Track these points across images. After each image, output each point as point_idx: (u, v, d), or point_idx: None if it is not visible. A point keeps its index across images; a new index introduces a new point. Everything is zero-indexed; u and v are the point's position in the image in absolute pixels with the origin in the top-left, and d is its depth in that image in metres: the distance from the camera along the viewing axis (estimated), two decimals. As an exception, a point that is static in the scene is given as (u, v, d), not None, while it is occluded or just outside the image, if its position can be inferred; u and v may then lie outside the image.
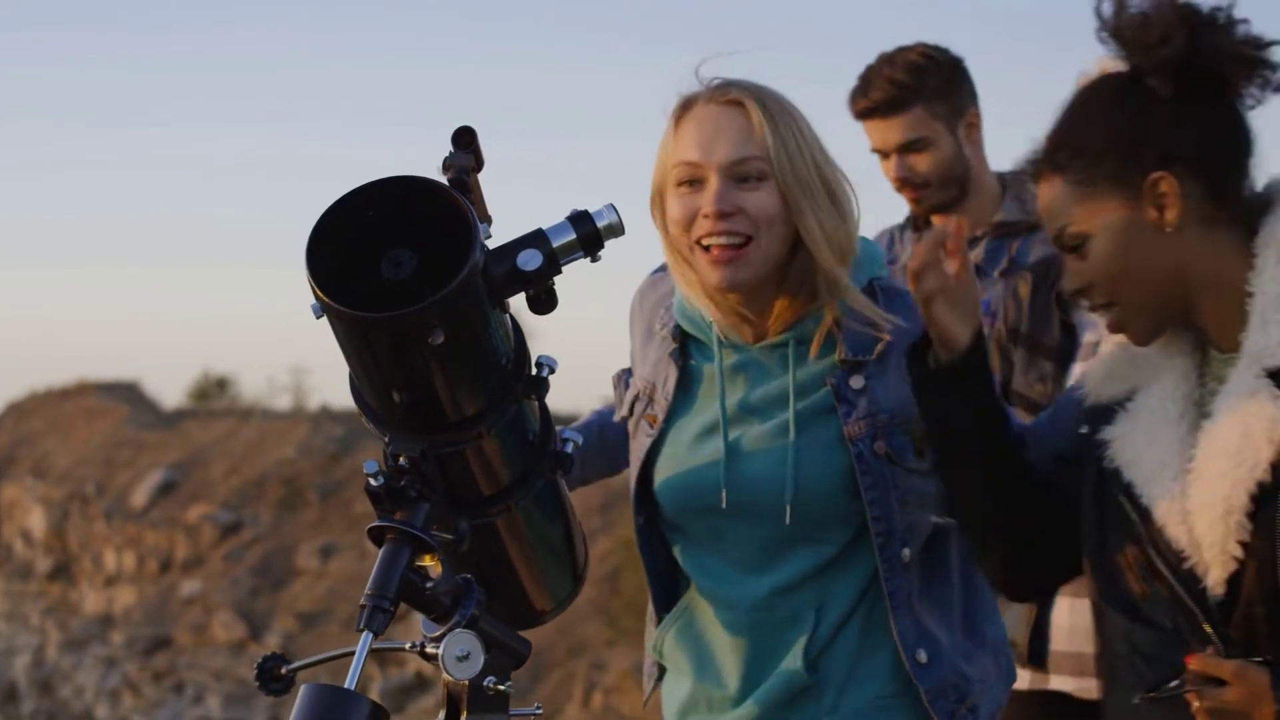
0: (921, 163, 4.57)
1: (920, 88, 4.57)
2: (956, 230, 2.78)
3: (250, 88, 34.32)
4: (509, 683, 2.62)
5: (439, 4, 34.95)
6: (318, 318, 2.54)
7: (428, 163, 2.62)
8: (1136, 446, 2.76)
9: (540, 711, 2.74)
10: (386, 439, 2.62)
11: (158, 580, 19.21)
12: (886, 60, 4.62)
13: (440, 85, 33.38)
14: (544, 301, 2.67)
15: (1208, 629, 2.66)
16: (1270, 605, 2.61)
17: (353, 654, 2.56)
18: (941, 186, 4.58)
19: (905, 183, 4.62)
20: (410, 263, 2.57)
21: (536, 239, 2.65)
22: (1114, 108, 2.71)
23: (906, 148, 4.59)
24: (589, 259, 2.69)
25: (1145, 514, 2.72)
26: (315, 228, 2.54)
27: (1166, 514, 2.69)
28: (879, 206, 6.58)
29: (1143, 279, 2.70)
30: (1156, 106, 2.69)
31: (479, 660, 2.58)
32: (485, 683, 2.60)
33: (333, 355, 2.62)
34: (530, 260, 2.62)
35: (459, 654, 2.58)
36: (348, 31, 34.60)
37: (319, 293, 2.49)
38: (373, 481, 2.56)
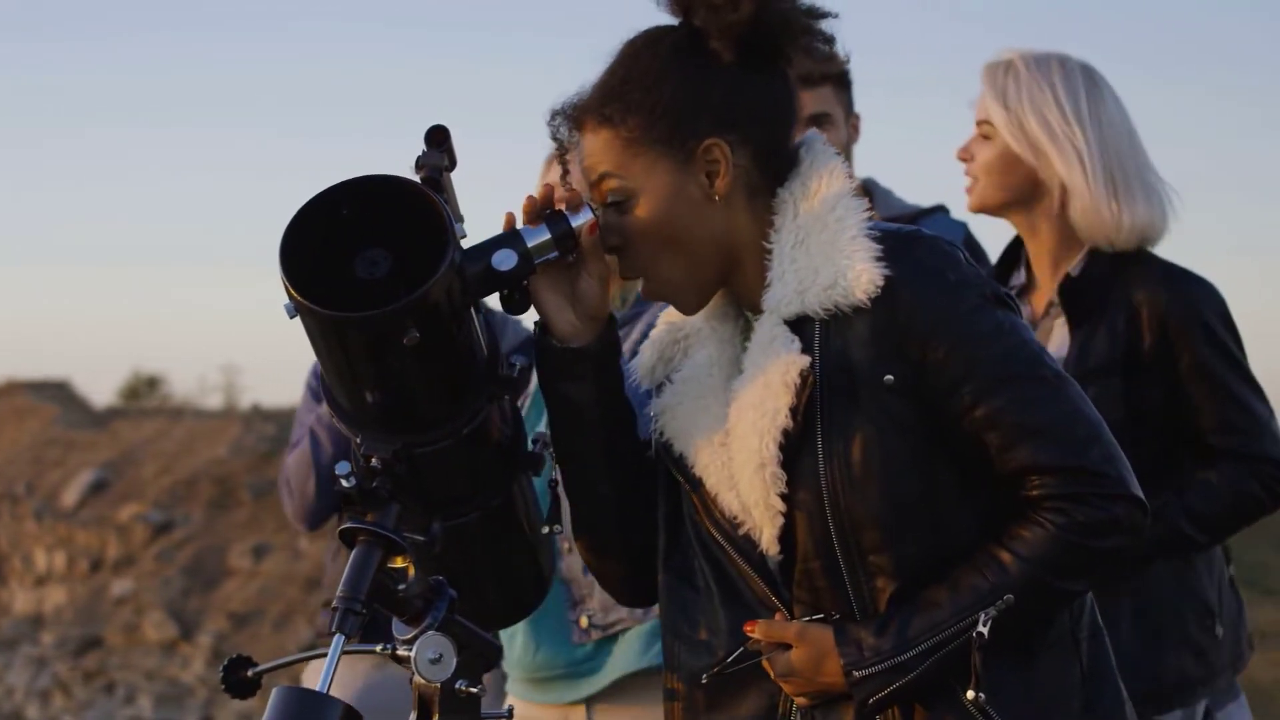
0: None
1: (831, 71, 4.67)
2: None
3: (185, 89, 34.13)
4: (480, 685, 2.60)
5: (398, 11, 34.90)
6: (291, 317, 2.52)
7: (384, 163, 2.61)
8: (686, 417, 2.76)
9: (510, 714, 2.73)
10: (358, 439, 2.60)
11: (88, 580, 19.05)
12: None
13: (402, 87, 33.31)
14: (518, 301, 2.66)
15: (767, 590, 2.68)
16: (825, 559, 2.63)
17: (321, 656, 2.55)
18: None
19: None
20: (385, 262, 2.56)
21: (511, 238, 2.65)
22: (673, 68, 2.68)
23: (813, 120, 4.65)
24: (564, 258, 2.68)
25: (698, 484, 2.73)
26: (289, 226, 2.52)
27: (717, 482, 2.70)
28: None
29: (684, 245, 2.69)
30: (716, 71, 2.67)
31: (452, 662, 2.57)
32: (457, 685, 2.58)
33: (264, 355, 2.60)
34: (505, 260, 2.62)
35: (432, 656, 2.56)
36: (301, 36, 34.44)
37: (293, 292, 2.47)
38: (344, 482, 2.54)
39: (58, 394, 23.83)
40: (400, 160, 2.64)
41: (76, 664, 18.11)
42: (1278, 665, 10.71)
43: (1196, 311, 3.87)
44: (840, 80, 4.73)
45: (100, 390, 33.97)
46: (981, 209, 4.10)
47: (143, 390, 25.07)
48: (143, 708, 17.09)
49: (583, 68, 2.75)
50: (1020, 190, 4.01)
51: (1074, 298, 3.94)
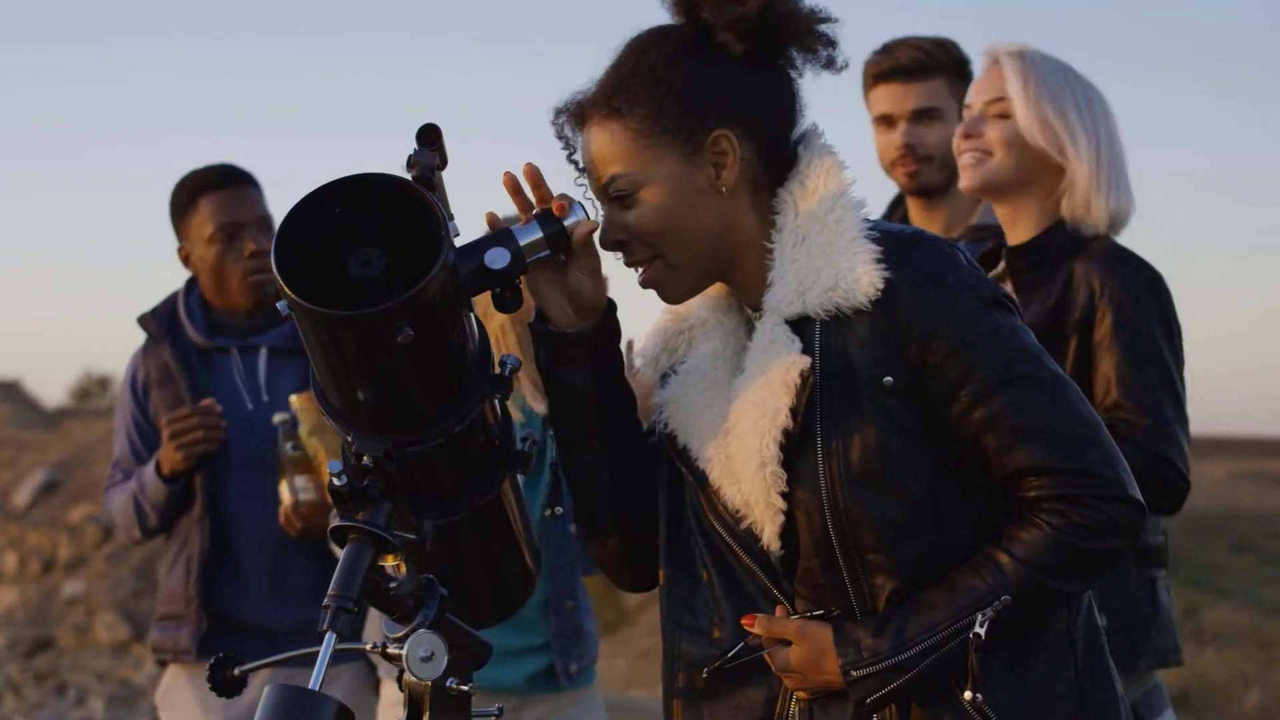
0: (931, 134, 4.61)
1: (945, 62, 4.63)
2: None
3: (145, 91, 34.01)
4: (471, 683, 2.60)
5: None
6: (284, 316, 2.53)
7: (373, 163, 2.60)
8: (690, 409, 2.78)
9: (500, 712, 2.73)
10: (350, 438, 2.60)
11: (40, 581, 18.93)
12: (909, 38, 4.68)
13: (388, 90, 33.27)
14: (509, 299, 2.67)
15: (769, 583, 2.70)
16: (824, 556, 2.65)
17: (309, 654, 2.55)
18: (941, 165, 4.57)
19: (909, 152, 4.62)
20: (379, 261, 2.56)
21: (503, 237, 2.65)
22: (681, 60, 2.69)
23: (920, 115, 4.62)
24: (555, 257, 2.69)
25: (701, 476, 2.75)
26: (282, 225, 2.52)
27: (720, 476, 2.72)
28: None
29: (689, 238, 2.70)
30: (724, 64, 2.69)
31: (443, 661, 2.58)
32: (448, 683, 2.58)
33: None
34: (498, 259, 2.63)
35: (423, 654, 2.57)
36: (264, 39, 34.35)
37: (287, 290, 2.47)
38: (336, 481, 2.54)
39: (8, 394, 23.67)
40: (392, 160, 2.66)
41: (28, 665, 18.00)
42: (1233, 664, 10.78)
43: (1129, 292, 3.85)
44: (950, 71, 4.66)
45: (51, 390, 33.85)
46: (988, 186, 4.03)
47: (94, 390, 24.97)
48: (94, 709, 16.99)
49: (578, 70, 2.76)
50: (1029, 171, 3.97)
51: (1023, 263, 3.92)
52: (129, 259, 37.87)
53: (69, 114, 34.30)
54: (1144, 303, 3.86)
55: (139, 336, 4.94)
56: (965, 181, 4.07)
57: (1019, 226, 4.02)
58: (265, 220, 4.80)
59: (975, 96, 4.08)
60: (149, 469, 4.73)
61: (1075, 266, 3.89)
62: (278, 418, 4.61)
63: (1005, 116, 4.00)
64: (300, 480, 4.58)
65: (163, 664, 4.90)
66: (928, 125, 4.61)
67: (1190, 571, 13.13)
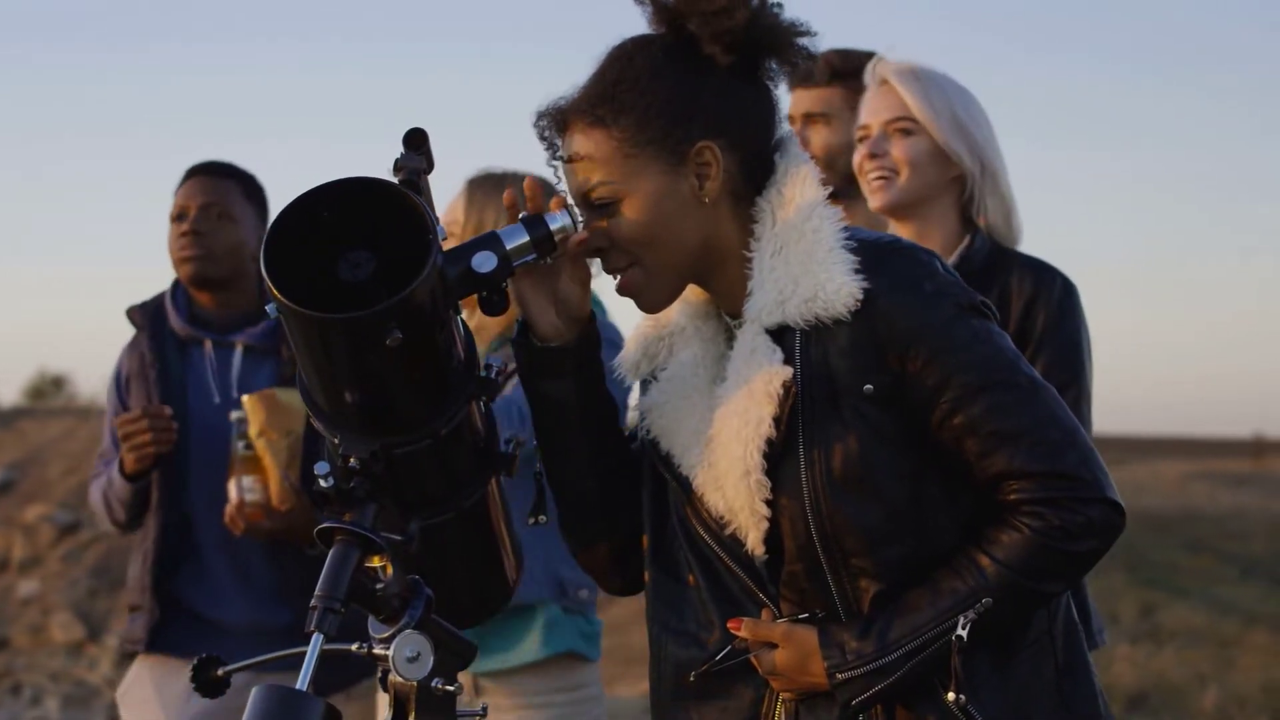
0: (815, 136, 4.64)
1: (844, 73, 4.62)
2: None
3: (113, 91, 33.90)
4: (456, 684, 2.62)
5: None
6: (272, 318, 2.54)
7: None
8: (672, 415, 2.80)
9: (484, 712, 2.74)
10: (336, 439, 2.62)
11: (-6, 581, 18.86)
12: (836, 49, 4.71)
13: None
14: (496, 303, 2.69)
15: (754, 587, 2.73)
16: (809, 561, 2.68)
17: (294, 655, 2.56)
18: (825, 168, 4.63)
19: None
20: (368, 264, 2.58)
21: (490, 241, 2.67)
22: (666, 70, 2.71)
23: (806, 118, 4.67)
24: (541, 261, 2.71)
25: (685, 483, 2.77)
26: (271, 229, 2.53)
27: (703, 482, 2.74)
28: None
29: (670, 247, 2.72)
30: (708, 75, 2.71)
31: (429, 661, 2.58)
32: (433, 684, 2.59)
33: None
34: (484, 262, 2.64)
35: (409, 655, 2.57)
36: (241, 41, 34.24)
37: (277, 293, 2.48)
38: (323, 483, 2.55)
39: (-38, 393, 23.57)
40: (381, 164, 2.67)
41: (-18, 666, 17.93)
42: (1191, 664, 10.85)
43: (1057, 301, 3.94)
44: (852, 83, 4.58)
45: (6, 390, 33.73)
46: (899, 205, 4.09)
47: (48, 390, 24.87)
48: (49, 709, 16.91)
49: (563, 74, 2.77)
50: (935, 186, 4.07)
51: (973, 281, 4.00)
52: (83, 258, 37.73)
53: (25, 115, 34.16)
54: (1070, 313, 3.96)
55: (94, 336, 5.03)
56: (875, 202, 4.11)
57: (929, 243, 4.04)
58: (211, 206, 4.81)
59: (872, 117, 4.13)
60: (115, 466, 4.76)
61: (1008, 280, 3.96)
62: (234, 415, 4.62)
63: (908, 134, 4.07)
64: (248, 480, 4.59)
65: (128, 657, 4.93)
66: (813, 127, 4.66)
67: (1147, 571, 13.21)
